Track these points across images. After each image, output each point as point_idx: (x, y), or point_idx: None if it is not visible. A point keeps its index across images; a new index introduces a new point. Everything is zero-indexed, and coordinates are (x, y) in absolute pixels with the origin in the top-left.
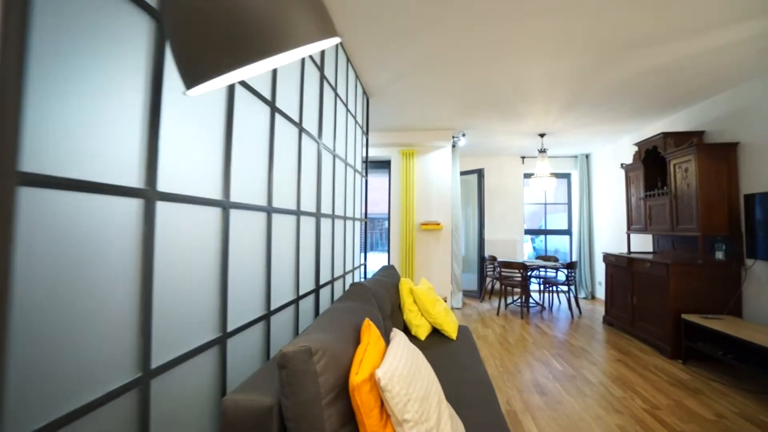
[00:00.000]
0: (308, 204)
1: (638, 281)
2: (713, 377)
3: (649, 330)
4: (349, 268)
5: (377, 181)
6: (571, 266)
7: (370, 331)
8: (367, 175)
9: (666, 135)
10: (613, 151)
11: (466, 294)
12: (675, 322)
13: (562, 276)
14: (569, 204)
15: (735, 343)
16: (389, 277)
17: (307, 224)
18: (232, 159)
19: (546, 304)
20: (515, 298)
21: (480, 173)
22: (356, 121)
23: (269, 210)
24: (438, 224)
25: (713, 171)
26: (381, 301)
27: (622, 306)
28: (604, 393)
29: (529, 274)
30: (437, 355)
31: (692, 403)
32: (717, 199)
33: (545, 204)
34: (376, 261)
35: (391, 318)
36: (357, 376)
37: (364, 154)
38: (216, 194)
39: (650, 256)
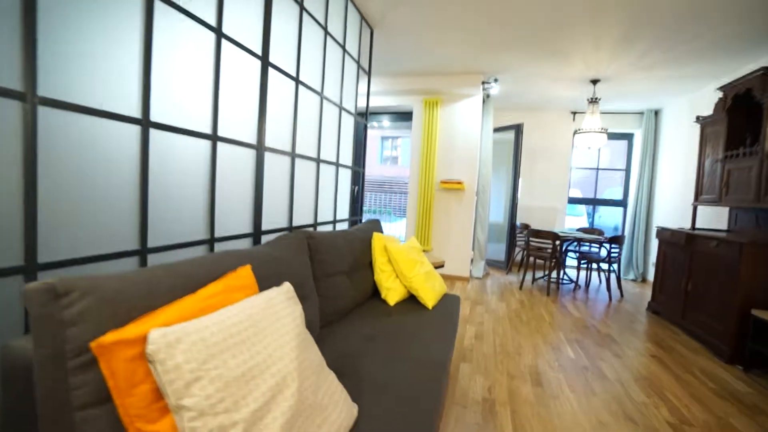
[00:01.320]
0: (279, 142)
1: (697, 263)
2: None
3: (703, 324)
4: (339, 216)
5: (404, 135)
6: (615, 241)
7: (233, 280)
8: (367, 120)
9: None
10: (690, 105)
11: (492, 264)
12: (741, 318)
13: (604, 252)
14: (627, 170)
15: None
16: (363, 231)
17: (277, 162)
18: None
19: (582, 283)
20: (546, 272)
21: (518, 129)
22: (352, 57)
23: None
24: (460, 183)
25: None
26: (328, 254)
27: (673, 292)
28: (619, 394)
29: (565, 246)
30: (392, 324)
31: (743, 423)
32: None
33: (597, 169)
34: (399, 229)
35: (352, 276)
36: (116, 333)
37: (366, 97)
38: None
39: (719, 234)
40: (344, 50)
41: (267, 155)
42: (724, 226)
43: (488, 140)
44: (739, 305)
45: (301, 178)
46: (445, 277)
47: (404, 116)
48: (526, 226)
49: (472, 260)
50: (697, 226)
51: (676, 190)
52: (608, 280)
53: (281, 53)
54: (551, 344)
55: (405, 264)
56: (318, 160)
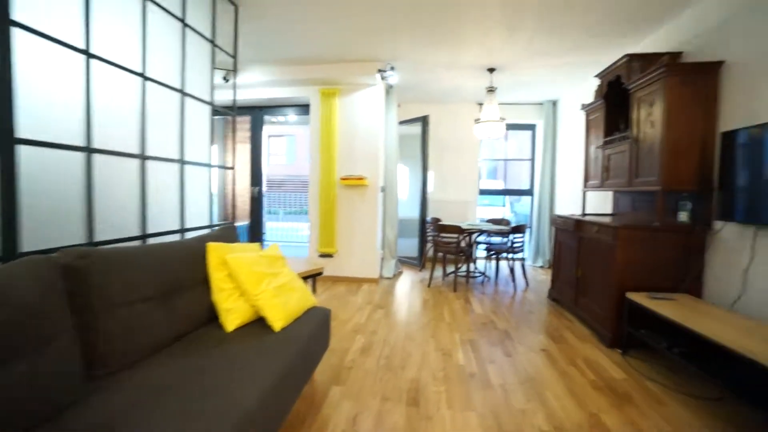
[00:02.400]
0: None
1: (585, 249)
2: (655, 376)
3: (591, 310)
4: (194, 222)
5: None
6: (518, 230)
7: None
8: (235, 111)
9: (631, 58)
10: (581, 95)
11: (406, 261)
12: (618, 302)
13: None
14: (532, 160)
15: (686, 334)
16: (197, 241)
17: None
18: None
19: (492, 274)
20: (460, 266)
21: (424, 121)
22: (204, 37)
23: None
24: (361, 179)
25: (686, 103)
26: (116, 277)
27: (568, 279)
28: (498, 404)
29: (474, 239)
30: (213, 359)
31: (614, 420)
32: (687, 141)
33: (506, 160)
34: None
35: (167, 301)
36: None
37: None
38: None
39: (603, 219)
40: (183, 22)
41: (99, 158)
42: (611, 210)
43: (393, 133)
44: (616, 289)
45: (159, 181)
46: (352, 281)
47: (304, 109)
48: (437, 221)
49: (382, 259)
50: (591, 210)
51: (573, 177)
52: (512, 270)
53: (114, 43)
54: (443, 350)
55: (248, 278)
56: (182, 162)
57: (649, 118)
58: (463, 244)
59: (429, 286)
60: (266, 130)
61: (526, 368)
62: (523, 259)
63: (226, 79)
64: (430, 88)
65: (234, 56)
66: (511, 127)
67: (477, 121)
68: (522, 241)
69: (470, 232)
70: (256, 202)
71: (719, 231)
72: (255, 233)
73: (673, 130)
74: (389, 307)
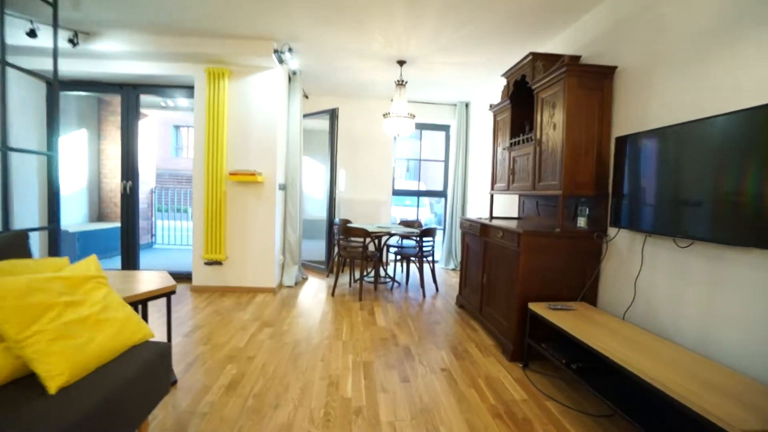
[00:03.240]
0: None
1: (490, 254)
2: (555, 393)
3: (495, 319)
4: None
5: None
6: (427, 234)
7: None
8: (56, 79)
9: (535, 57)
10: (491, 97)
11: (313, 267)
12: (521, 312)
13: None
14: (446, 161)
15: (582, 347)
16: None
17: None
18: None
19: (403, 279)
20: (368, 271)
21: (333, 114)
22: None
23: None
24: (254, 175)
25: (584, 106)
26: None
27: (474, 285)
28: None
29: (385, 242)
30: None
31: None
32: (586, 145)
33: (420, 160)
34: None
35: None
36: None
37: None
38: None
39: (508, 223)
40: None
41: None
42: (517, 214)
43: (296, 125)
44: (518, 299)
45: None
46: (245, 292)
47: (189, 91)
48: (346, 223)
49: (283, 266)
50: (499, 214)
51: (483, 180)
52: (421, 275)
53: None
54: (331, 377)
55: (12, 316)
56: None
57: (552, 120)
58: (372, 248)
59: (333, 295)
60: (162, 116)
61: (423, 396)
62: (434, 262)
63: (73, 41)
64: (341, 79)
65: (53, 3)
66: (426, 126)
67: (386, 115)
68: (431, 245)
69: (377, 236)
70: (129, 199)
71: (613, 238)
72: (128, 238)
73: (573, 133)
74: (280, 325)
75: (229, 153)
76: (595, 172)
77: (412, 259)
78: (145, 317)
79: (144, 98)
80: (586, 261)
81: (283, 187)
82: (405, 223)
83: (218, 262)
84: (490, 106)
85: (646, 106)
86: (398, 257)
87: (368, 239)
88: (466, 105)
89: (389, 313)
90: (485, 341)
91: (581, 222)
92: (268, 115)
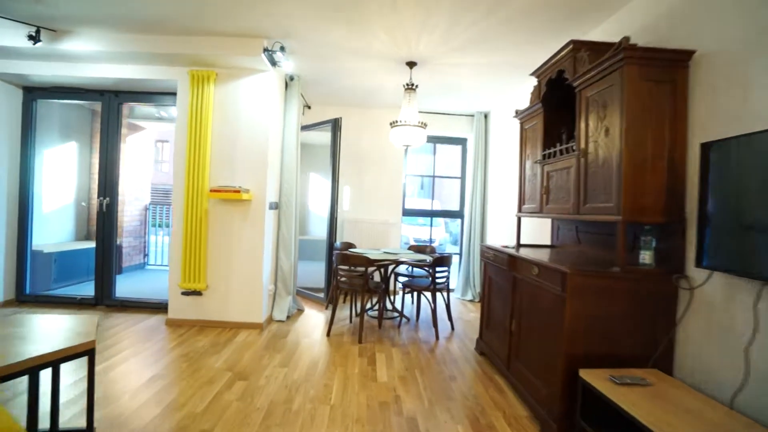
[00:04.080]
0: None
1: (521, 294)
2: None
3: (528, 381)
4: None
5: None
6: (441, 263)
7: None
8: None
9: (578, 46)
10: (512, 104)
11: (309, 296)
12: (567, 378)
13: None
14: (462, 178)
15: None
16: None
17: None
18: None
19: (413, 313)
20: (371, 305)
21: (336, 124)
22: None
23: None
24: (237, 192)
25: (650, 103)
26: None
27: (499, 330)
28: None
29: (392, 270)
30: None
31: None
32: (652, 155)
33: (433, 176)
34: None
35: None
36: None
37: None
38: None
39: (542, 255)
40: None
41: None
42: (550, 240)
43: (293, 137)
44: (564, 360)
45: None
46: (227, 327)
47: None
48: (347, 247)
49: (275, 296)
50: (526, 241)
51: (506, 200)
52: (434, 312)
53: None
54: None
55: None
56: None
57: (602, 124)
58: (377, 277)
59: (329, 334)
60: (158, 128)
61: None
62: (449, 293)
63: (33, 38)
64: (344, 85)
65: None
66: (440, 140)
67: (393, 124)
68: (445, 277)
69: (381, 264)
70: (106, 218)
71: (702, 284)
72: (103, 261)
73: (635, 139)
74: (256, 377)
75: (213, 167)
76: (664, 190)
77: (424, 292)
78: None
79: (140, 109)
80: (657, 311)
81: (275, 206)
82: (416, 248)
83: (197, 292)
84: (516, 112)
85: (746, 101)
86: (406, 290)
87: (371, 268)
88: (485, 116)
89: (394, 362)
90: (516, 410)
91: (645, 257)
92: (259, 125)
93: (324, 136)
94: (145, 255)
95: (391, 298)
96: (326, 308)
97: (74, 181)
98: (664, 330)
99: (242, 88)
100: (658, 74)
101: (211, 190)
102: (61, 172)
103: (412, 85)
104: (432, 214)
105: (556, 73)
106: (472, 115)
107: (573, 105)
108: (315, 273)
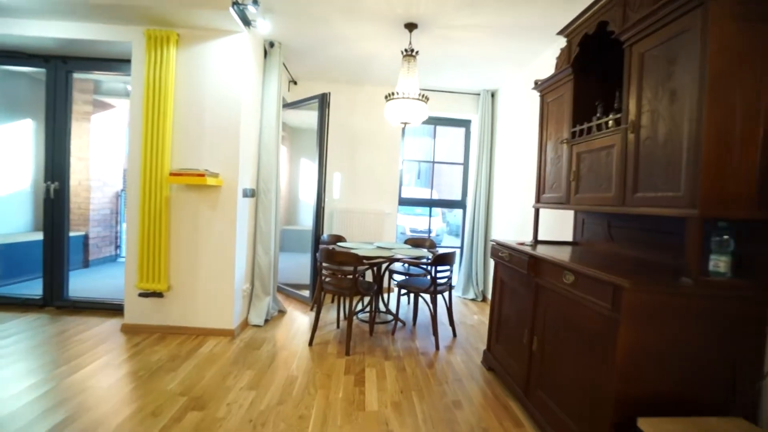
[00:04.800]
0: None
1: (546, 306)
2: None
3: (558, 421)
4: None
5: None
6: (442, 261)
7: None
8: None
9: None
10: (528, 80)
11: (293, 295)
12: (619, 428)
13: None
14: (465, 164)
15: None
16: None
17: None
18: None
19: (408, 316)
20: (362, 307)
21: (323, 100)
22: None
23: None
24: (202, 176)
25: (743, 52)
26: None
27: (514, 344)
28: None
29: (386, 268)
30: None
31: None
32: (743, 126)
33: (433, 162)
34: None
35: None
36: None
37: None
38: None
39: (567, 253)
40: None
41: None
42: (570, 236)
43: (272, 113)
44: (615, 404)
45: None
46: (194, 334)
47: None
48: (335, 241)
49: (251, 297)
50: (544, 237)
51: (516, 188)
52: (434, 319)
53: None
54: None
55: None
56: None
57: (667, 87)
58: (369, 275)
59: (311, 343)
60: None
61: None
62: (451, 294)
63: None
64: (333, 56)
65: None
66: (442, 122)
67: (389, 97)
68: (448, 277)
69: (373, 263)
70: (54, 205)
71: None
72: (52, 256)
73: (722, 104)
74: (215, 406)
75: (176, 147)
76: (760, 173)
77: (422, 294)
78: None
79: (108, 85)
80: (740, 340)
81: (251, 194)
82: (413, 242)
83: (158, 294)
84: (536, 83)
85: None
86: (402, 291)
87: (362, 267)
88: (492, 94)
89: (387, 381)
90: None
91: (719, 264)
92: (230, 98)
93: (316, 119)
94: (117, 247)
95: (385, 297)
96: (311, 309)
97: (31, 165)
98: (752, 365)
99: (210, 54)
100: (759, 11)
101: (170, 174)
102: (14, 154)
103: (412, 50)
104: (431, 203)
105: (595, 27)
106: (478, 94)
107: (612, 70)
108: (303, 267)
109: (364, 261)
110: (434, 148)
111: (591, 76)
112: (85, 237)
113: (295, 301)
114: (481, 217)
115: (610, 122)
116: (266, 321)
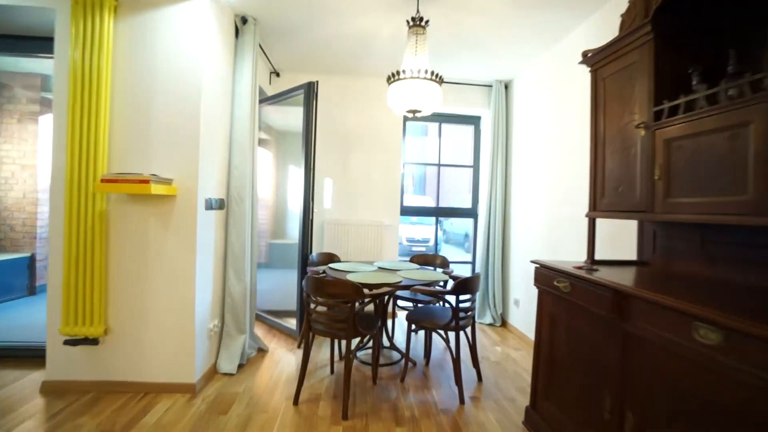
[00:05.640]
0: None
1: (649, 367)
2: None
3: None
4: None
5: None
6: (464, 289)
7: None
8: None
9: None
10: (553, 65)
11: (277, 326)
12: None
13: (455, 305)
14: (476, 167)
15: None
16: None
17: None
18: None
19: (419, 353)
20: (366, 342)
21: (309, 91)
22: None
23: None
24: (145, 183)
25: None
26: None
27: (578, 408)
28: None
29: (390, 297)
30: None
31: None
32: None
33: (439, 165)
34: None
35: None
36: None
37: None
38: None
39: (632, 277)
40: None
41: None
42: (629, 251)
43: (245, 105)
44: None
45: None
46: (144, 390)
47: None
48: (325, 261)
49: (221, 336)
50: (579, 251)
51: (541, 193)
52: (457, 365)
53: None
54: None
55: None
56: None
57: None
58: (370, 306)
59: (297, 401)
60: None
61: None
62: (474, 327)
63: None
64: (323, 37)
65: None
66: (448, 119)
67: (392, 78)
68: (472, 308)
69: (376, 296)
70: None
71: None
72: None
73: None
74: None
75: (115, 147)
76: None
77: (440, 331)
78: None
79: None
80: None
81: (218, 205)
82: (422, 259)
83: (91, 340)
84: (585, 55)
85: None
86: (412, 326)
87: (359, 301)
88: (506, 86)
89: None
90: None
91: None
92: (188, 85)
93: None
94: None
95: (388, 324)
96: (299, 346)
97: None
98: None
99: (160, 26)
100: None
101: (102, 181)
102: None
103: (421, 19)
104: (437, 212)
105: None
106: (490, 86)
107: (706, 27)
108: (291, 287)
109: (365, 291)
110: (440, 149)
111: (673, 39)
112: (31, 259)
113: (279, 333)
114: (497, 228)
115: (730, 91)
116: (240, 366)
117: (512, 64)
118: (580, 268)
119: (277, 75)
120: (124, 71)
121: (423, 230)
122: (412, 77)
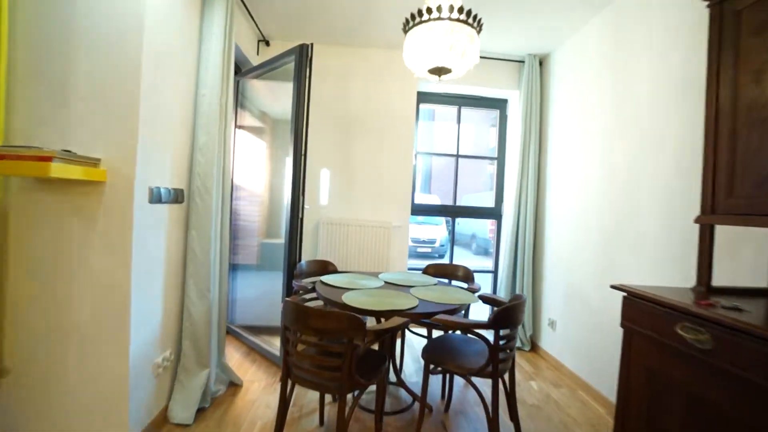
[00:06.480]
0: None
1: None
2: None
3: None
4: None
5: None
6: (508, 319)
7: None
8: None
9: None
10: (604, 34)
11: (258, 350)
12: None
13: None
14: (500, 159)
15: None
16: None
17: None
18: None
19: (436, 394)
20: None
21: (301, 55)
22: None
23: None
24: (46, 160)
25: None
26: None
27: None
28: None
29: (401, 326)
30: None
31: None
32: None
33: (457, 156)
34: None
35: None
36: None
37: None
38: None
39: None
40: None
41: None
42: (749, 267)
43: (215, 67)
44: None
45: None
46: None
47: None
48: (324, 267)
49: (175, 375)
50: (673, 272)
51: (590, 192)
52: (493, 424)
53: None
54: None
55: None
56: None
57: None
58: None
59: None
60: None
61: None
62: (514, 361)
63: None
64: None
65: None
66: (469, 101)
67: (410, 22)
68: (512, 348)
69: (387, 330)
70: None
71: None
72: None
73: None
74: None
75: (15, 110)
76: None
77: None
78: None
79: None
80: None
81: (173, 197)
82: (438, 270)
83: None
84: None
85: None
86: (434, 367)
87: (361, 339)
88: (540, 62)
89: None
90: None
91: None
92: (123, 30)
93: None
94: None
95: (396, 354)
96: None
97: None
98: None
99: None
100: None
101: None
102: None
103: None
104: (454, 213)
105: None
106: (521, 61)
107: None
108: (278, 296)
109: (368, 318)
110: (458, 137)
111: None
112: None
113: (260, 358)
114: (527, 232)
115: None
116: (202, 410)
117: (550, 34)
118: (708, 304)
119: (267, 44)
120: (29, 5)
121: (429, 230)
122: (439, 18)
